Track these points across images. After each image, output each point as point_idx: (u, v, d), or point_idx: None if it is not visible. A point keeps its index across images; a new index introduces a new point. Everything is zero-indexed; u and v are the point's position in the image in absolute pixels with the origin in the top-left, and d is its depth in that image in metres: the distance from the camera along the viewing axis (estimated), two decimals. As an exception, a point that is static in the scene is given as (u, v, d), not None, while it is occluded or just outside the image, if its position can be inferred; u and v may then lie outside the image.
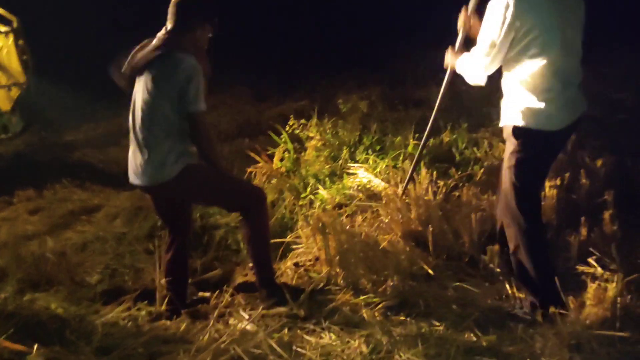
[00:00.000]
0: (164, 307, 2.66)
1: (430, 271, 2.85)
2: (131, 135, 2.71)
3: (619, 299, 2.31)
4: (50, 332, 2.22)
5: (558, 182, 3.25)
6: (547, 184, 3.22)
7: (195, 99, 2.54)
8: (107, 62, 2.82)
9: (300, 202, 3.91)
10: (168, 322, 2.55)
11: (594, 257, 2.70)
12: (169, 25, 2.65)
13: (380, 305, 2.54)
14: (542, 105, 2.31)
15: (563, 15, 2.29)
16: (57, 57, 8.53)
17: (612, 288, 2.36)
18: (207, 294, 3.13)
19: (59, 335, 2.23)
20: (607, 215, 3.00)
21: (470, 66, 2.50)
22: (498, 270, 2.79)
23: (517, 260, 2.50)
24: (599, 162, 3.55)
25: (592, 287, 2.39)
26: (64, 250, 3.86)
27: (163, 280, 2.64)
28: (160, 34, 2.66)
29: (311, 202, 3.88)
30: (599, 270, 2.61)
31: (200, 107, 2.56)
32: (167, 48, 2.58)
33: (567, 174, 3.40)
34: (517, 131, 2.40)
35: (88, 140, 7.19)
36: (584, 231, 2.95)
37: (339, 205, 3.65)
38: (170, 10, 2.64)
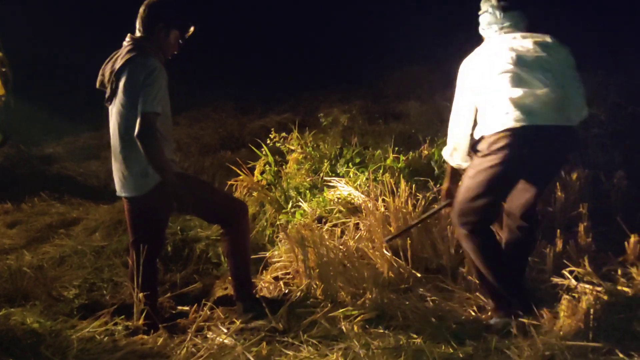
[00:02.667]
0: (141, 321, 2.63)
1: (408, 284, 2.88)
2: (112, 147, 2.72)
3: (592, 310, 2.35)
4: (25, 348, 2.20)
5: (534, 195, 3.31)
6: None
7: (153, 100, 2.49)
8: (87, 76, 2.83)
9: (281, 216, 3.92)
10: (145, 337, 2.52)
11: (568, 269, 2.75)
12: (136, 28, 2.68)
13: (358, 318, 2.54)
14: None
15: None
16: (37, 71, 8.48)
17: (585, 299, 2.41)
18: (187, 308, 3.11)
19: (34, 351, 2.20)
20: (581, 227, 3.06)
21: None
22: (477, 282, 2.82)
23: (476, 270, 2.58)
24: (574, 176, 3.62)
25: (566, 298, 2.43)
26: (42, 264, 3.82)
27: (141, 295, 2.62)
28: (126, 41, 2.67)
29: (293, 214, 3.90)
30: (573, 282, 2.66)
31: (155, 108, 2.50)
32: (132, 53, 2.58)
33: (543, 187, 3.46)
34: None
35: (67, 153, 7.13)
36: (559, 243, 3.00)
37: (320, 219, 3.67)
38: (138, 13, 2.67)
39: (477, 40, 2.74)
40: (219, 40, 10.61)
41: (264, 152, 4.67)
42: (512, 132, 2.37)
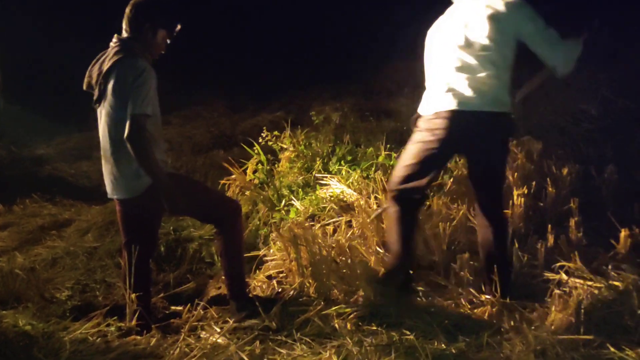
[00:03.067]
0: (134, 322, 2.62)
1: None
2: (102, 150, 2.70)
3: (583, 305, 2.37)
4: (18, 350, 2.19)
5: (525, 190, 3.33)
6: (515, 192, 3.30)
7: (143, 102, 2.47)
8: (77, 76, 2.81)
9: (274, 215, 3.92)
10: (138, 338, 2.51)
11: (559, 263, 2.77)
12: (123, 29, 2.66)
13: (352, 316, 2.55)
14: None
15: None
16: (26, 72, 8.42)
17: (576, 294, 2.43)
18: (180, 308, 3.11)
19: (27, 353, 2.20)
20: (572, 222, 3.08)
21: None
22: (469, 277, 2.84)
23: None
24: (565, 171, 3.64)
25: (557, 293, 2.46)
26: (34, 266, 3.80)
27: (133, 295, 2.61)
28: (112, 42, 2.65)
29: (287, 213, 3.90)
30: (564, 276, 2.68)
31: (145, 110, 2.48)
32: (120, 54, 2.56)
33: (534, 183, 3.48)
34: None
35: (59, 154, 7.08)
36: (550, 238, 3.02)
37: (312, 217, 3.68)
38: (125, 13, 2.65)
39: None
40: (210, 38, 10.57)
41: (256, 151, 4.67)
42: (444, 116, 2.51)
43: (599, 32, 2.82)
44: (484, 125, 2.51)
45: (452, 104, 2.50)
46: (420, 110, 2.68)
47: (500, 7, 2.47)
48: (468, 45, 2.50)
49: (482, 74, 2.47)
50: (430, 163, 2.60)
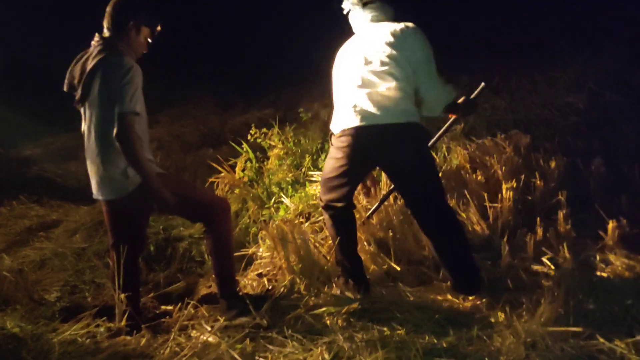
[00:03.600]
0: (123, 322, 2.60)
1: (392, 276, 2.90)
2: (87, 151, 2.66)
3: (572, 296, 2.39)
4: (6, 353, 2.17)
5: (514, 184, 3.34)
6: (504, 186, 3.32)
7: (131, 100, 2.45)
8: (63, 76, 2.77)
9: (264, 212, 3.91)
10: (128, 338, 2.50)
11: (548, 256, 2.79)
12: (105, 28, 2.63)
13: (342, 312, 2.54)
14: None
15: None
16: (11, 73, 8.34)
17: (565, 286, 2.44)
18: (170, 308, 3.09)
19: (15, 355, 2.18)
20: (560, 215, 3.10)
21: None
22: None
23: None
24: (553, 164, 3.66)
25: (546, 285, 2.47)
26: (22, 267, 3.77)
27: (123, 296, 2.59)
28: (95, 41, 2.62)
29: (277, 210, 3.89)
30: (553, 268, 2.70)
31: (133, 108, 2.46)
32: (104, 53, 2.54)
33: (522, 176, 3.50)
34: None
35: (46, 155, 7.04)
36: (539, 231, 3.04)
37: (302, 214, 3.67)
38: (107, 11, 2.62)
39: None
40: (199, 36, 10.52)
41: (245, 149, 4.65)
42: (349, 133, 2.59)
43: (482, 92, 2.98)
44: (390, 137, 2.55)
45: (355, 121, 2.56)
46: (332, 128, 2.76)
47: (399, 30, 2.60)
48: (368, 63, 2.60)
49: (382, 87, 2.54)
50: (345, 177, 2.68)
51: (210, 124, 7.81)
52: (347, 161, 2.63)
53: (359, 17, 2.79)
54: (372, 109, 2.54)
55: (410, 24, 2.63)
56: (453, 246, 2.62)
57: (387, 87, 2.54)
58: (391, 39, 2.58)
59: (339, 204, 2.74)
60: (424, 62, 2.57)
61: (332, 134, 2.77)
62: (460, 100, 2.87)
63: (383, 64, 2.56)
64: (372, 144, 2.57)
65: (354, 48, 2.73)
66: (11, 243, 4.39)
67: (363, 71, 2.61)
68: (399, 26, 2.62)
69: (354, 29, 2.84)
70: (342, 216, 2.77)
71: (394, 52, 2.56)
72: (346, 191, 2.72)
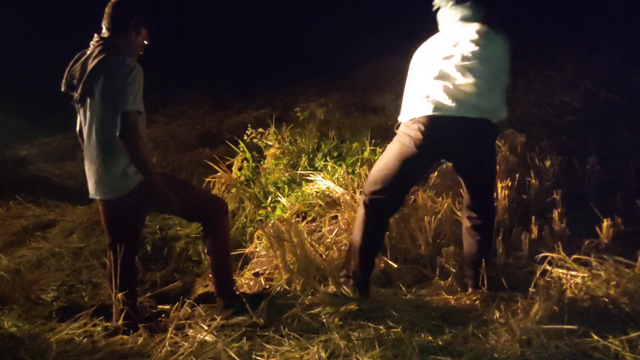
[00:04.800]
0: (120, 321, 2.61)
1: (388, 274, 2.91)
2: (86, 150, 2.67)
3: (566, 294, 2.40)
4: (3, 352, 2.17)
5: (509, 182, 3.36)
6: (499, 185, 3.33)
7: (135, 99, 2.46)
8: (59, 76, 2.76)
9: (260, 211, 3.92)
10: (125, 337, 2.50)
11: (543, 254, 2.80)
12: (104, 28, 2.63)
13: (338, 310, 2.55)
14: None
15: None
16: (7, 73, 8.32)
17: (559, 284, 2.46)
18: (167, 307, 3.10)
19: (13, 355, 2.18)
20: (556, 213, 3.11)
21: None
22: (453, 270, 2.86)
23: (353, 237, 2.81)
24: (548, 163, 3.68)
25: (541, 283, 2.48)
26: (19, 267, 3.76)
27: (120, 295, 2.60)
28: (94, 41, 2.61)
29: (273, 209, 3.89)
30: (548, 266, 2.71)
31: (137, 107, 2.48)
32: (104, 53, 2.54)
33: (517, 175, 3.52)
34: None
35: (42, 155, 7.03)
36: (534, 229, 3.05)
37: (299, 213, 3.68)
38: (106, 12, 2.62)
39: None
40: (195, 36, 10.52)
41: (241, 149, 4.65)
42: (421, 121, 2.53)
43: None
44: (462, 130, 2.53)
45: (428, 110, 2.53)
46: (400, 118, 2.71)
47: (488, 32, 2.58)
48: (449, 57, 2.57)
49: (460, 81, 2.52)
50: (408, 169, 2.60)
51: (207, 123, 7.80)
52: (416, 151, 2.54)
53: (447, 15, 2.73)
54: (446, 100, 2.50)
55: (499, 30, 2.61)
56: (488, 237, 2.72)
57: (465, 82, 2.50)
58: (478, 37, 2.55)
59: (392, 200, 2.66)
60: (501, 71, 2.57)
61: (398, 124, 2.70)
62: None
63: (465, 58, 2.53)
64: (443, 135, 2.53)
65: (437, 44, 2.67)
66: (8, 243, 4.38)
67: (442, 64, 2.57)
68: (488, 28, 2.60)
69: (440, 27, 2.78)
70: (386, 215, 2.72)
71: (478, 49, 2.53)
72: (406, 187, 2.68)
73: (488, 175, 2.73)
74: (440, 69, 2.57)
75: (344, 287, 2.70)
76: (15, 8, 8.78)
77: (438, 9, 2.79)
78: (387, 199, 2.63)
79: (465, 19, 2.68)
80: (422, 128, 2.52)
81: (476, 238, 2.70)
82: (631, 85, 5.24)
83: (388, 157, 2.64)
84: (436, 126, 2.52)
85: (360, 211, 2.70)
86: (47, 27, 9.02)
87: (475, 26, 2.61)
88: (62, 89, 2.68)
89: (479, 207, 2.71)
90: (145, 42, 2.74)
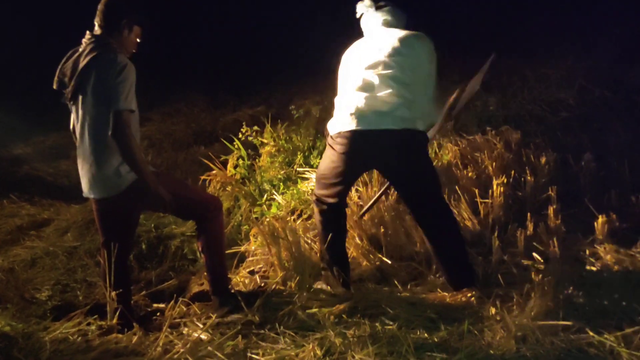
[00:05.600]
0: (115, 320, 2.60)
1: (383, 271, 2.91)
2: (78, 149, 2.65)
3: (562, 291, 2.40)
4: (-4, 352, 2.16)
5: (504, 179, 3.36)
6: (494, 182, 3.33)
7: (126, 98, 2.44)
8: (52, 74, 2.75)
9: (255, 209, 3.91)
10: (120, 336, 2.48)
11: (539, 250, 2.81)
12: (96, 25, 2.61)
13: (334, 308, 2.55)
14: None
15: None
16: (1, 72, 8.28)
17: (555, 280, 2.46)
18: (162, 305, 3.09)
19: (6, 354, 2.16)
20: (551, 210, 3.11)
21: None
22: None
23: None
24: (543, 160, 3.68)
25: (536, 279, 2.48)
26: (13, 266, 3.75)
27: (114, 294, 2.58)
28: (86, 39, 2.60)
29: (268, 207, 3.89)
30: (543, 263, 2.71)
31: (129, 105, 2.46)
32: (96, 51, 2.52)
33: (513, 172, 3.52)
34: None
35: (36, 154, 7.00)
36: (530, 226, 3.05)
37: (294, 210, 3.67)
38: (99, 9, 2.61)
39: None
40: (190, 34, 10.48)
41: (236, 146, 4.64)
42: (345, 136, 2.57)
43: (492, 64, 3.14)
44: (385, 143, 2.54)
45: (352, 125, 2.55)
46: (329, 128, 2.73)
47: (409, 37, 2.60)
48: (372, 66, 2.59)
49: (382, 92, 2.52)
50: (340, 177, 2.69)
51: (202, 121, 7.78)
52: (342, 163, 2.63)
53: (370, 20, 2.78)
54: (369, 113, 2.52)
55: (421, 34, 2.62)
56: (449, 241, 2.64)
57: (387, 93, 2.51)
58: (399, 45, 2.57)
59: (332, 200, 2.74)
60: (426, 76, 2.58)
61: (328, 133, 2.75)
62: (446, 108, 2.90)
63: (387, 67, 2.55)
64: (367, 149, 2.57)
65: (361, 50, 2.70)
66: (2, 242, 4.37)
67: (366, 74, 2.59)
68: (409, 33, 2.61)
69: (365, 32, 2.83)
70: (333, 213, 2.78)
71: (400, 57, 2.55)
72: (340, 190, 2.73)
73: (425, 186, 2.62)
74: (364, 78, 2.59)
75: (329, 283, 2.74)
76: (10, 7, 8.73)
77: (361, 15, 2.83)
78: (327, 197, 2.74)
79: (387, 24, 2.72)
80: (345, 142, 2.58)
81: (434, 242, 2.66)
82: (626, 82, 5.24)
83: (322, 165, 2.76)
84: (359, 141, 2.56)
85: (315, 209, 2.84)
86: (41, 26, 8.98)
87: (397, 33, 2.63)
88: (54, 87, 2.66)
89: (426, 220, 2.66)
90: (138, 40, 2.73)
